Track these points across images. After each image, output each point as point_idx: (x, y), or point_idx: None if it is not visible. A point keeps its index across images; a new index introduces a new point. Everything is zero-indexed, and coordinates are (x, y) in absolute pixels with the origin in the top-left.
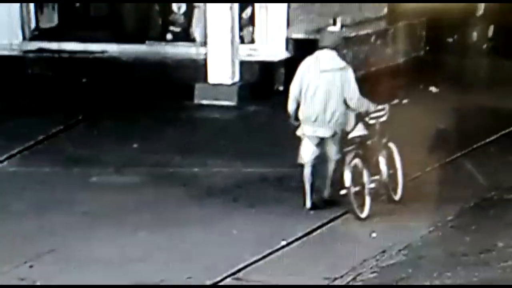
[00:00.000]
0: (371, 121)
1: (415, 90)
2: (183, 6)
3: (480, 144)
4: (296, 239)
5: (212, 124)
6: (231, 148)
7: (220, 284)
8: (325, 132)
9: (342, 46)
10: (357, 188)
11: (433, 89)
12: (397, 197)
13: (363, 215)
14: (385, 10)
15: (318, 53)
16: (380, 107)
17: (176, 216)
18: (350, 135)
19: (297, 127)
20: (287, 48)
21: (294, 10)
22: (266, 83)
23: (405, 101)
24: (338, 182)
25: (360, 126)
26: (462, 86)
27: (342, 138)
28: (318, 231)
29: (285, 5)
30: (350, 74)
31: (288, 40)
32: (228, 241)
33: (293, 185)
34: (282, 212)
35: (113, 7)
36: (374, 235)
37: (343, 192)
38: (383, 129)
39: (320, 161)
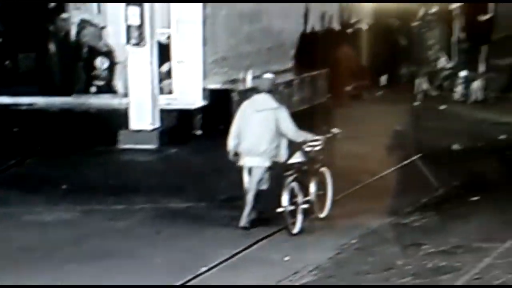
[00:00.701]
0: (307, 149)
1: (318, 131)
2: (106, 62)
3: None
4: (216, 265)
5: (135, 166)
6: (154, 186)
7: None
8: (258, 162)
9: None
10: (292, 207)
11: (335, 130)
12: (322, 215)
13: (295, 231)
14: (291, 63)
15: (255, 96)
16: (316, 137)
17: (104, 249)
18: (289, 161)
19: (236, 161)
20: (203, 97)
21: (209, 64)
22: (185, 129)
23: (338, 131)
24: (261, 207)
25: (299, 153)
26: (357, 127)
27: (275, 168)
28: (237, 256)
29: (201, 60)
30: (284, 112)
31: (204, 90)
32: (152, 269)
33: (212, 217)
34: (203, 240)
35: (40, 63)
36: (287, 258)
37: (280, 210)
38: (317, 156)
39: (262, 187)
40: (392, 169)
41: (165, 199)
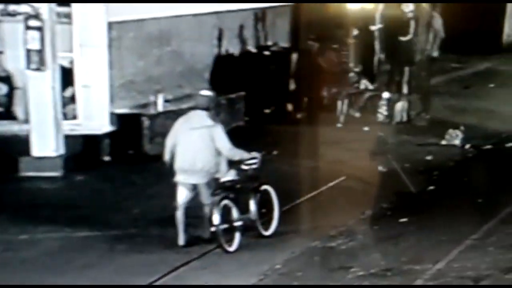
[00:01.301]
0: (245, 167)
1: None
2: (4, 88)
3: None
4: None
5: (38, 194)
6: (56, 215)
7: None
8: (197, 180)
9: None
10: (226, 226)
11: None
12: (267, 233)
13: (232, 248)
14: (205, 87)
15: (190, 113)
16: (253, 155)
17: (5, 281)
18: (222, 180)
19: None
20: (111, 122)
21: (116, 88)
22: (92, 155)
23: (275, 152)
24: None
25: (232, 172)
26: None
27: (214, 185)
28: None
29: (107, 84)
30: (219, 130)
31: (112, 115)
32: None
33: (124, 245)
34: (116, 268)
35: None
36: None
37: (212, 229)
38: (255, 175)
39: (192, 204)
40: (317, 191)
41: (70, 227)
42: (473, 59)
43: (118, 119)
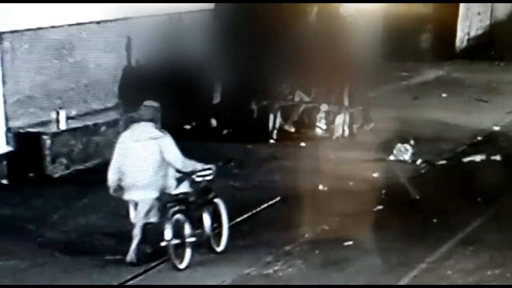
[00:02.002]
0: (198, 179)
1: None
2: None
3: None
4: None
5: None
6: None
7: None
8: (141, 196)
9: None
10: (177, 241)
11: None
12: (219, 249)
13: (182, 265)
14: (114, 101)
15: (134, 126)
16: (207, 166)
17: None
18: (173, 192)
19: (119, 195)
20: (7, 142)
21: (12, 105)
22: None
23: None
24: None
25: (185, 184)
26: None
27: (164, 200)
28: None
29: (1, 100)
30: (168, 141)
31: (8, 133)
32: None
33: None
34: None
35: None
36: None
37: (163, 244)
38: (208, 187)
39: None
40: (249, 213)
41: None
42: (423, 67)
43: (16, 138)
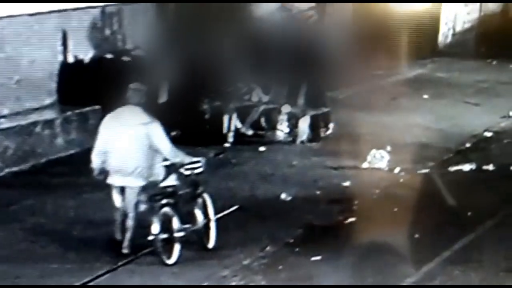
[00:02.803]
0: (187, 172)
1: None
2: None
3: None
4: None
5: None
6: None
7: None
8: (128, 182)
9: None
10: (165, 235)
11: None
12: (210, 245)
13: (171, 261)
14: (51, 99)
15: (120, 109)
16: (195, 159)
17: None
18: (162, 185)
19: (103, 179)
20: None
21: None
22: None
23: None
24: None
25: (173, 176)
26: None
27: (150, 190)
28: None
29: None
30: (157, 128)
31: None
32: None
33: None
34: None
35: None
36: None
37: (150, 238)
38: (198, 180)
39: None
40: (203, 223)
41: None
42: (401, 65)
43: None
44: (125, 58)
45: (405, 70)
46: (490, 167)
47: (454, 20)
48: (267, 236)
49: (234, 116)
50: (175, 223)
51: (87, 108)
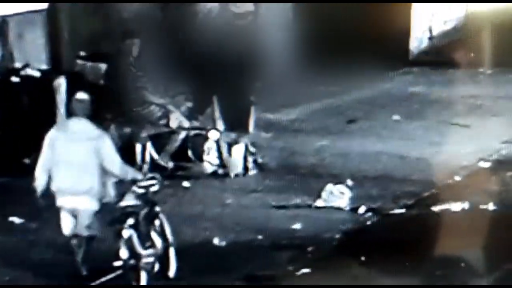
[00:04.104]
0: (140, 190)
1: None
2: None
3: None
4: None
5: None
6: None
7: None
8: (81, 204)
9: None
10: (133, 261)
11: None
12: (171, 274)
13: None
14: None
15: (66, 121)
16: (150, 175)
17: None
18: (121, 204)
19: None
20: None
21: None
22: None
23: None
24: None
25: (130, 195)
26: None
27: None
28: None
29: None
30: (107, 141)
31: None
32: None
33: None
34: None
35: None
36: None
37: (117, 263)
38: (154, 199)
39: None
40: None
41: None
42: (361, 79)
43: None
44: (14, 79)
45: (366, 85)
46: (490, 206)
47: (431, 20)
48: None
49: (149, 145)
50: (139, 247)
51: None
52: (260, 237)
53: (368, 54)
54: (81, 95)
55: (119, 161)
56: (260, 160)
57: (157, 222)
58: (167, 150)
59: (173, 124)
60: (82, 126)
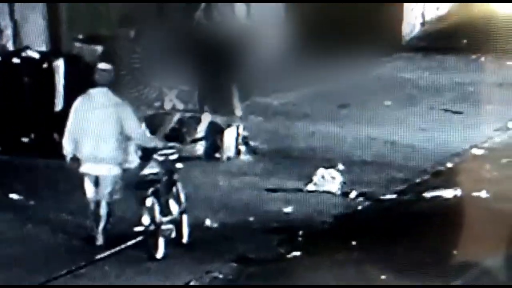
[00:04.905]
0: (160, 158)
1: None
2: None
3: None
4: None
5: None
6: None
7: None
8: (102, 170)
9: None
10: (153, 227)
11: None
12: (184, 240)
13: (158, 255)
14: None
15: (90, 91)
16: (170, 144)
17: None
18: (143, 172)
19: (76, 167)
20: None
21: None
22: None
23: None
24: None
25: (153, 163)
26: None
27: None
28: None
29: None
30: (128, 109)
31: None
32: None
33: None
34: None
35: None
36: None
37: (138, 229)
38: (173, 167)
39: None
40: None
41: None
42: (353, 64)
43: None
44: (15, 60)
45: (358, 70)
46: (483, 194)
47: (423, 6)
48: (190, 268)
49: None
50: (159, 214)
51: None
52: (251, 219)
53: (361, 39)
54: (104, 65)
55: (140, 128)
56: (252, 144)
57: (174, 190)
58: (161, 131)
59: (167, 106)
60: (104, 95)
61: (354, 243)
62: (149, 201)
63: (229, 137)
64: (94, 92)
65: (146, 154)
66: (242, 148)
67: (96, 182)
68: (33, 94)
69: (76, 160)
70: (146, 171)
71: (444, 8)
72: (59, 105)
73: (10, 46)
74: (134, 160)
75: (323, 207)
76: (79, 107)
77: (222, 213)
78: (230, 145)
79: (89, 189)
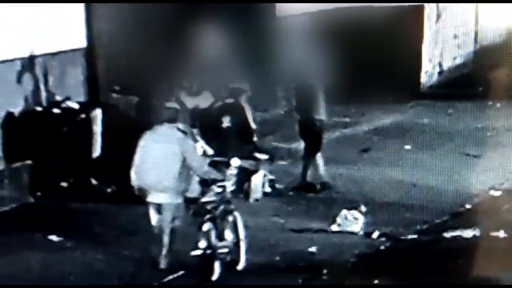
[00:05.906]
0: (218, 189)
1: None
2: None
3: None
4: None
5: None
6: None
7: None
8: (167, 199)
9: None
10: (210, 251)
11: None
12: (239, 267)
13: (214, 277)
14: None
15: (157, 127)
16: (228, 174)
17: None
18: (203, 200)
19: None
20: None
21: None
22: None
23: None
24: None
25: (212, 192)
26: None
27: (184, 206)
28: None
29: None
30: (190, 144)
31: None
32: None
33: None
34: None
35: None
36: None
37: (195, 253)
38: (230, 197)
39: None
40: None
41: None
42: (374, 110)
43: None
44: (56, 110)
45: (380, 117)
46: (501, 233)
47: (441, 56)
48: None
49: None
50: (215, 239)
51: (18, 164)
52: (277, 258)
53: (382, 87)
54: (170, 104)
55: (201, 162)
56: (278, 186)
57: (230, 218)
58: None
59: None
60: (168, 130)
61: (376, 281)
62: (206, 227)
63: (257, 180)
64: (160, 127)
65: (206, 184)
66: (268, 190)
67: (159, 210)
68: (72, 141)
69: (142, 190)
70: (205, 199)
71: (461, 57)
72: (96, 152)
73: (52, 97)
74: (196, 189)
75: (346, 247)
76: (145, 140)
77: (249, 253)
78: (258, 188)
79: (153, 217)
